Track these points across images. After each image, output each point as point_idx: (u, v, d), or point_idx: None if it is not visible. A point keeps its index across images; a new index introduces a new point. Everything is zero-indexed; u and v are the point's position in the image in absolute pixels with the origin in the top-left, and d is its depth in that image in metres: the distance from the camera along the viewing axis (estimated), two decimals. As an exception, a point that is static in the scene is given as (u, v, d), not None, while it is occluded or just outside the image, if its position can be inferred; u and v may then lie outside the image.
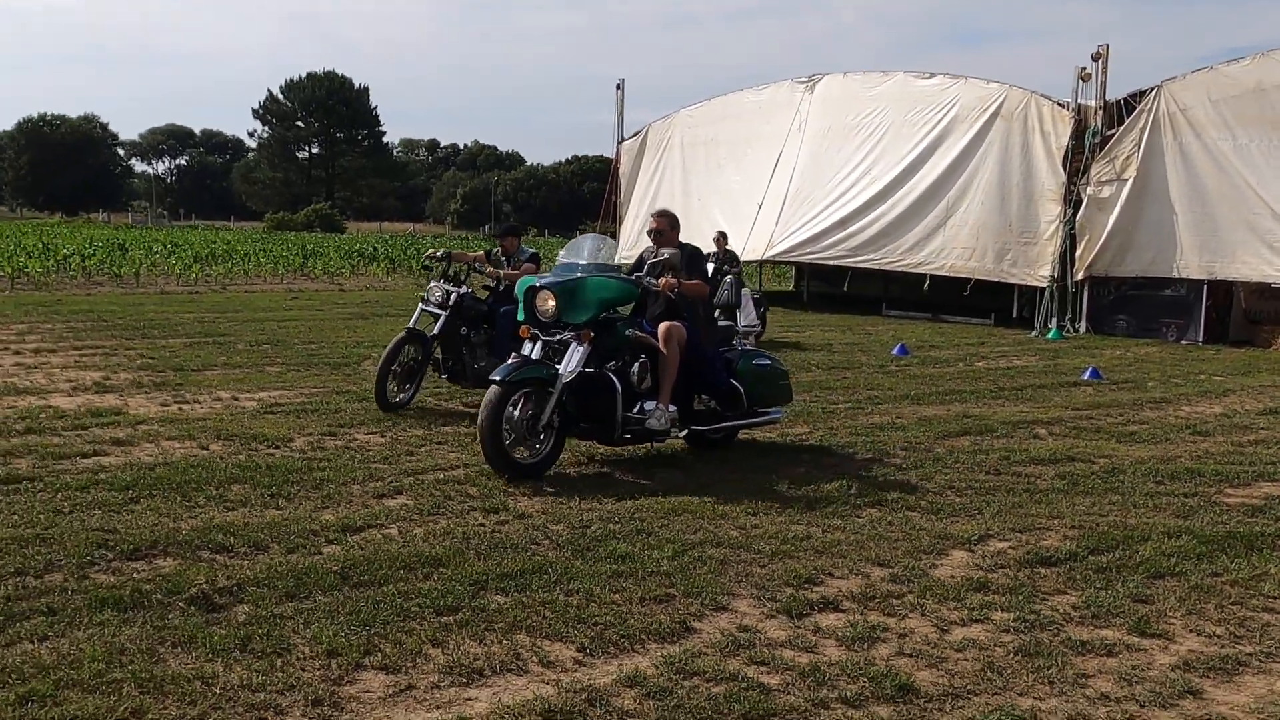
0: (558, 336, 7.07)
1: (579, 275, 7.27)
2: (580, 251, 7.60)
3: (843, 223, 22.09)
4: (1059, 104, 19.76)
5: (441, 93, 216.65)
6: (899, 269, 21.81)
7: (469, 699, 3.80)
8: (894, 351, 15.12)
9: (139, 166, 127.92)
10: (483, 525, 5.84)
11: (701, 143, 25.77)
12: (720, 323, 8.37)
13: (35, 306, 18.23)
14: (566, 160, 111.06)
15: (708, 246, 24.46)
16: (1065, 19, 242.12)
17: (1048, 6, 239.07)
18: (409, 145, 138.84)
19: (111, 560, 5.02)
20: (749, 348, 8.38)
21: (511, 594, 4.77)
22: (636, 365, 7.32)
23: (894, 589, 5.06)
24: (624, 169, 27.58)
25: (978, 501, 6.75)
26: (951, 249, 20.74)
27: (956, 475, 7.46)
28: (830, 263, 22.90)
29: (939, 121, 21.24)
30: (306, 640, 4.17)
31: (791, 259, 23.80)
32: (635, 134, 27.50)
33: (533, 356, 7.06)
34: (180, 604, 4.49)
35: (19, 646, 4.03)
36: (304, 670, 3.92)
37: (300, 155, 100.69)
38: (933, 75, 21.93)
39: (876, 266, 21.99)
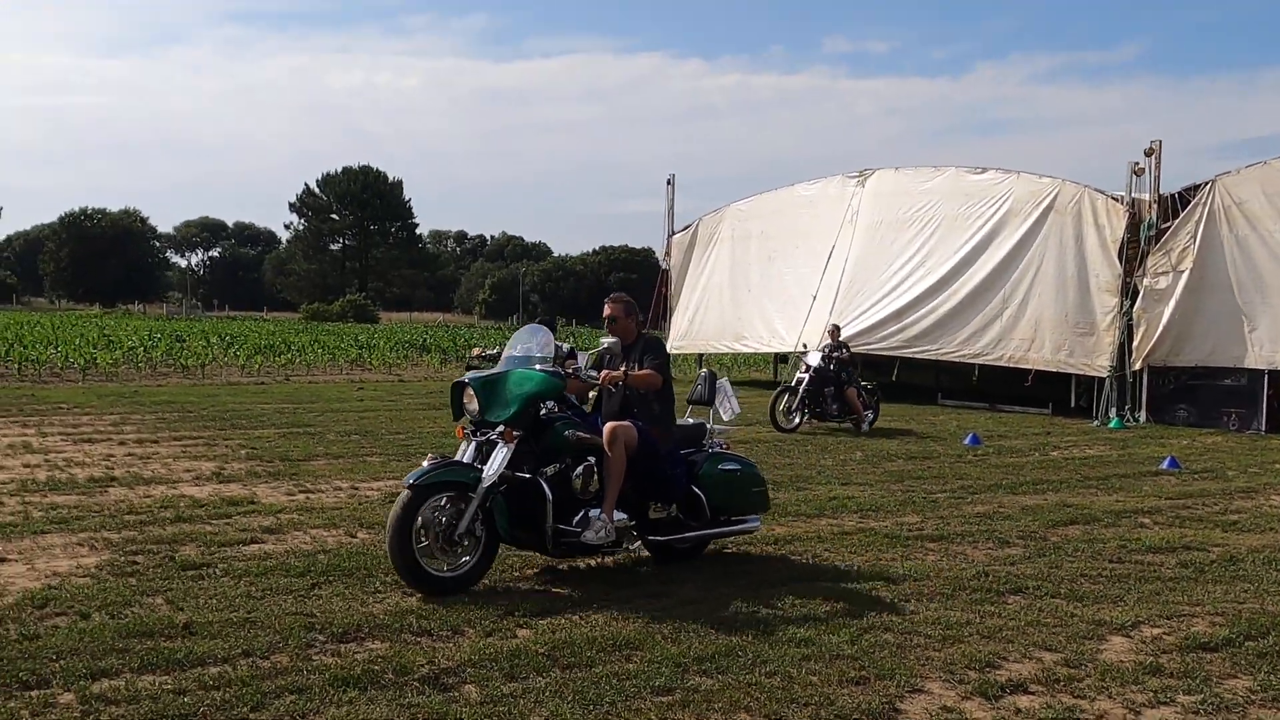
0: (487, 436, 6.59)
1: (503, 369, 6.88)
2: (516, 344, 7.11)
3: (898, 314, 22.46)
4: (1113, 198, 20.21)
5: (465, 184, 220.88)
6: (956, 360, 22.12)
7: (719, 774, 4.03)
8: (966, 441, 15.35)
9: (174, 259, 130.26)
10: (655, 610, 6.07)
11: (752, 236, 26.34)
12: (689, 421, 7.77)
13: (116, 397, 18.69)
14: (593, 251, 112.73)
15: (760, 339, 25.04)
16: (1080, 110, 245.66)
17: (1063, 98, 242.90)
18: (437, 236, 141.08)
19: (325, 642, 5.29)
20: (719, 450, 7.66)
21: (714, 675, 5.00)
22: (581, 469, 6.72)
23: (1071, 673, 5.25)
24: (674, 262, 28.14)
25: (1114, 589, 6.94)
26: (1009, 340, 21.05)
27: (1082, 564, 7.65)
28: (887, 354, 23.24)
29: (993, 215, 21.72)
30: (545, 716, 4.41)
31: (846, 349, 24.11)
32: (685, 227, 28.11)
33: (464, 459, 6.61)
34: (414, 683, 4.75)
35: (283, 722, 4.29)
36: (556, 746, 4.16)
37: (334, 247, 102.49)
38: (985, 170, 22.48)
39: (934, 357, 22.31)
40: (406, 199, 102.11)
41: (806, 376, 16.49)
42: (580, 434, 6.76)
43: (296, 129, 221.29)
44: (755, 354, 29.07)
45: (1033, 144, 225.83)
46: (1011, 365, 21.17)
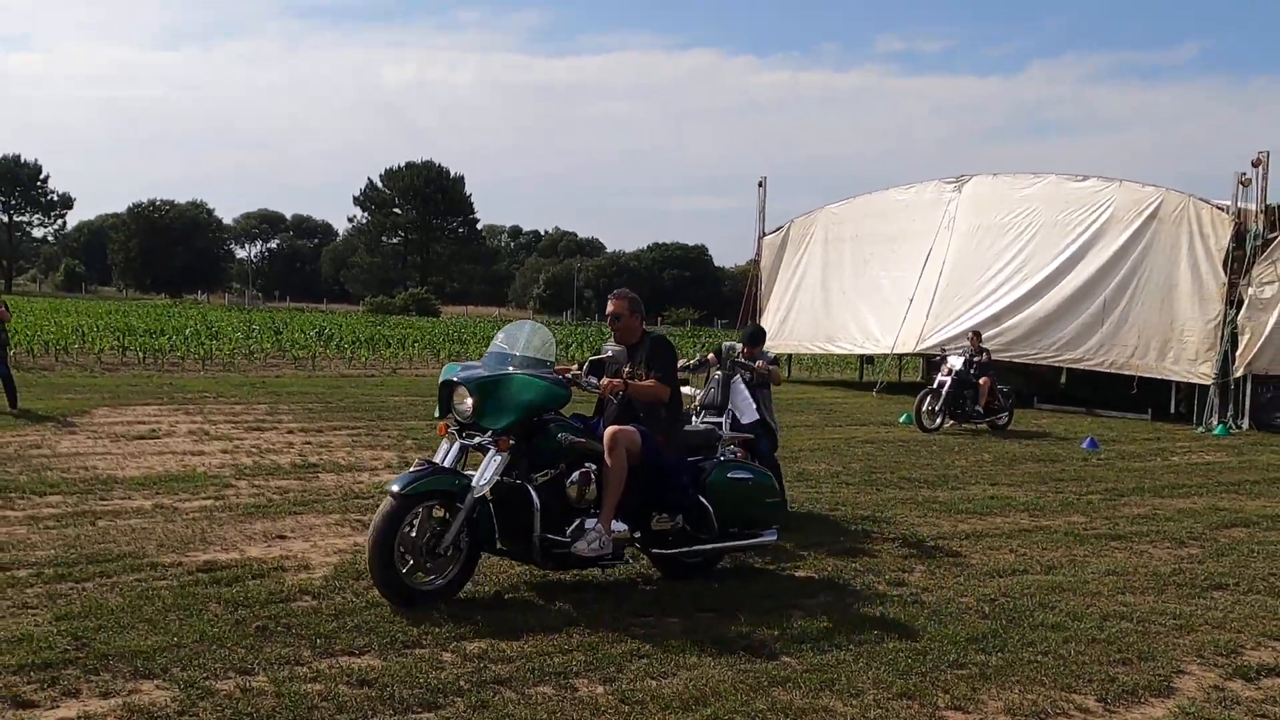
0: (477, 440, 6.21)
1: (504, 371, 6.35)
2: (515, 340, 6.60)
3: (995, 319, 22.85)
4: (1218, 207, 20.49)
5: (517, 179, 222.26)
6: (1056, 364, 22.51)
7: (1046, 735, 4.60)
8: (1084, 445, 15.76)
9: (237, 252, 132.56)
10: (904, 597, 6.64)
11: (846, 239, 26.81)
12: (700, 425, 7.47)
13: (249, 387, 19.54)
14: (647, 247, 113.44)
15: (854, 340, 25.57)
16: (1133, 111, 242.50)
17: (1116, 99, 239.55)
18: (491, 231, 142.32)
19: (631, 616, 5.92)
20: (730, 458, 7.27)
21: (992, 654, 5.57)
22: (577, 475, 6.30)
23: (1310, 660, 5.77)
24: (765, 263, 28.67)
25: (1307, 587, 7.43)
26: (1112, 346, 21.40)
27: (1265, 564, 8.13)
28: (983, 357, 23.63)
29: (1093, 222, 22.06)
30: (870, 684, 5.01)
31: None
32: (778, 229, 28.63)
33: (445, 461, 6.22)
34: (740, 651, 5.37)
35: (650, 681, 4.91)
36: (897, 708, 4.75)
37: (394, 241, 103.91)
38: (1086, 178, 22.82)
39: (1031, 361, 22.69)
40: (467, 194, 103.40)
41: (949, 380, 17.14)
42: (575, 439, 6.36)
43: (350, 123, 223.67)
44: (846, 355, 29.51)
45: (1082, 146, 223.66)
46: (1115, 371, 21.52)
